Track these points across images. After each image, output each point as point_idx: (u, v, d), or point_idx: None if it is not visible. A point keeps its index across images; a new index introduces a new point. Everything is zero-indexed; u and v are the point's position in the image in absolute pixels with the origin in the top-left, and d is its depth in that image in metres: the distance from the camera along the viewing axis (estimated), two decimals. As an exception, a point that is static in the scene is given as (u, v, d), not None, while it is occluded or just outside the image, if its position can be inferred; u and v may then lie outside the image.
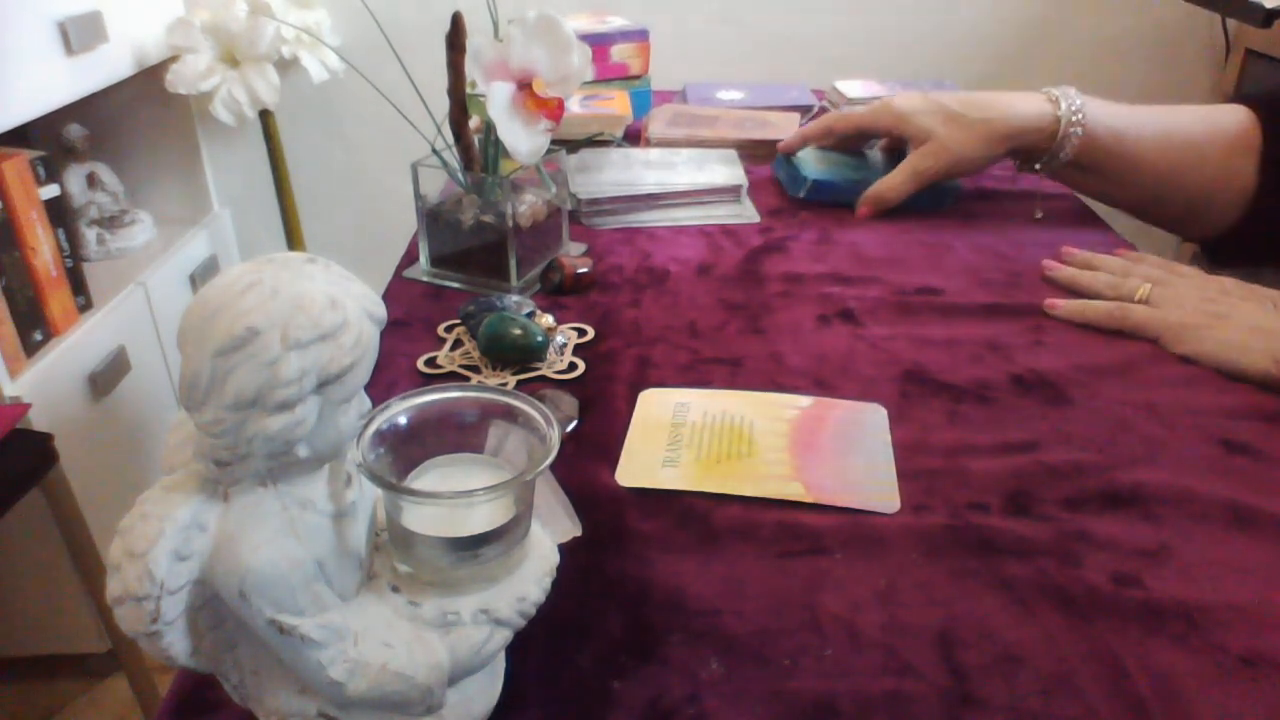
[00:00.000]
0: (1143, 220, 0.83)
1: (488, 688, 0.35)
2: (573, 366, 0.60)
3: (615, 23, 1.15)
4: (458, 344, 0.63)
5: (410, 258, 0.76)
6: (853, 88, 1.17)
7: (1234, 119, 0.76)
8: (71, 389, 1.32)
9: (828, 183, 0.87)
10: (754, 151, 1.00)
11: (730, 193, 0.87)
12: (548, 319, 0.64)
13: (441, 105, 0.69)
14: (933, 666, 0.38)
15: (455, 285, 0.72)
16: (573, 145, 0.89)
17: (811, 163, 0.90)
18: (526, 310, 0.63)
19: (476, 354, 0.61)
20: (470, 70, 0.65)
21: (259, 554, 0.28)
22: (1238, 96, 0.82)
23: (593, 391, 0.57)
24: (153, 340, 1.57)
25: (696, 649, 0.39)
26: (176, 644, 0.29)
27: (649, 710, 0.36)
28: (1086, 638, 0.39)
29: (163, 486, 0.28)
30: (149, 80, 1.63)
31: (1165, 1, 1.76)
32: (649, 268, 0.75)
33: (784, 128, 1.03)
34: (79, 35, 1.35)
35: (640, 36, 1.13)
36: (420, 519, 0.32)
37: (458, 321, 0.65)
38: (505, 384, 0.58)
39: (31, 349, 1.27)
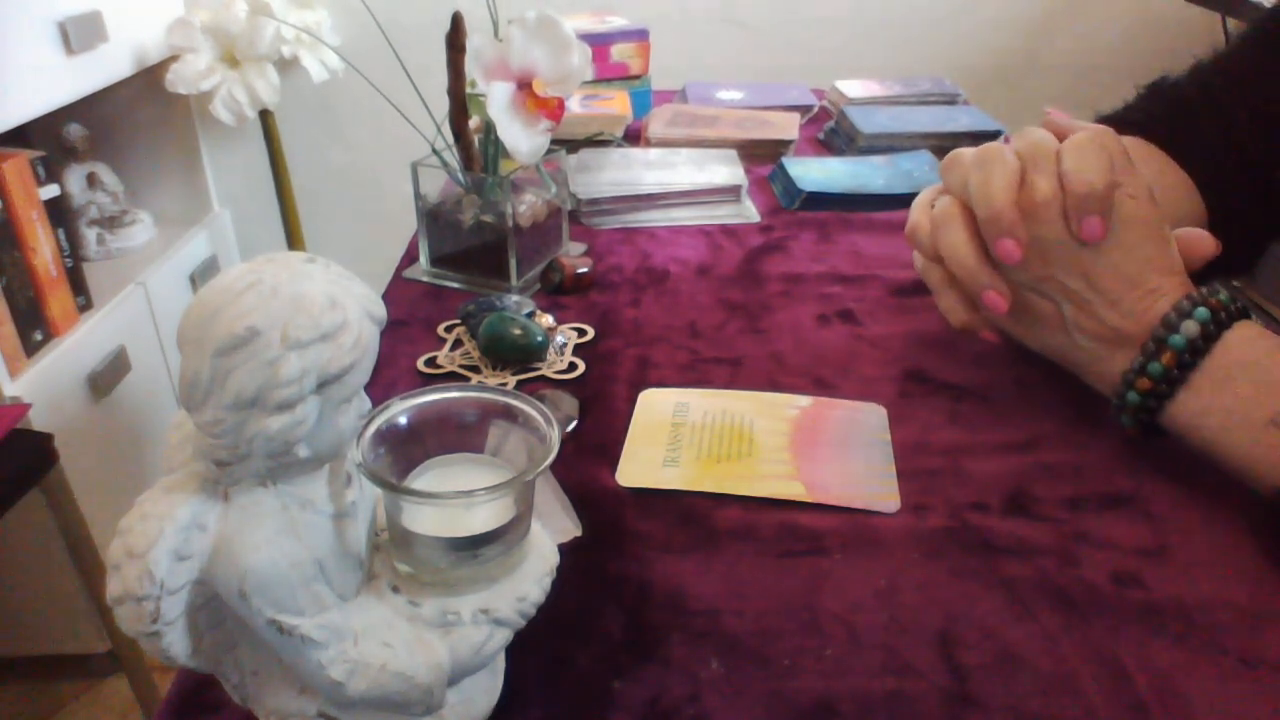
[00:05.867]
0: None
1: (488, 688, 0.35)
2: (573, 366, 0.60)
3: (615, 23, 1.15)
4: (458, 344, 0.63)
5: (410, 258, 0.76)
6: (853, 88, 1.17)
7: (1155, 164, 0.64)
8: (71, 389, 1.32)
9: (822, 195, 0.87)
10: (754, 151, 1.00)
11: (730, 193, 0.87)
12: (548, 319, 0.64)
13: (441, 105, 0.69)
14: (933, 666, 0.38)
15: (455, 285, 0.72)
16: (573, 145, 0.89)
17: (809, 172, 0.90)
18: (526, 310, 0.63)
19: (476, 354, 0.61)
20: (470, 70, 0.65)
21: (259, 554, 0.28)
22: (1100, 122, 0.68)
23: (593, 391, 0.57)
24: (153, 340, 1.57)
25: (696, 649, 0.38)
26: (176, 644, 0.29)
27: (649, 710, 0.36)
28: (1086, 638, 0.39)
29: (163, 486, 0.28)
30: (149, 80, 1.63)
31: (1165, 1, 1.76)
32: (649, 268, 0.75)
33: (784, 127, 1.03)
34: (79, 35, 1.35)
35: (640, 36, 1.13)
36: (420, 519, 0.32)
37: (458, 321, 0.65)
38: (505, 384, 0.58)
39: (31, 349, 1.27)
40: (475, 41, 0.64)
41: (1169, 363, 0.46)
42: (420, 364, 0.60)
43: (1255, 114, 0.63)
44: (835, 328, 0.65)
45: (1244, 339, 0.46)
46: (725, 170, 0.90)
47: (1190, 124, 0.65)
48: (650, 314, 0.67)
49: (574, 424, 0.54)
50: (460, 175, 0.71)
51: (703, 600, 0.41)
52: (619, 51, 1.13)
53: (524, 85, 0.65)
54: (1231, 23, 1.68)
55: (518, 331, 0.59)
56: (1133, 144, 0.66)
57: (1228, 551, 0.44)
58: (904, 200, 0.84)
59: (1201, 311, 0.46)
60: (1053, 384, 0.57)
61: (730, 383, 0.58)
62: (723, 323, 0.66)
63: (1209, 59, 0.69)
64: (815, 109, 1.18)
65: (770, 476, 0.49)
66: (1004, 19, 1.83)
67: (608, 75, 1.13)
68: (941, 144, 1.00)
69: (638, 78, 1.15)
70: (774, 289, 0.71)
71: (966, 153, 0.54)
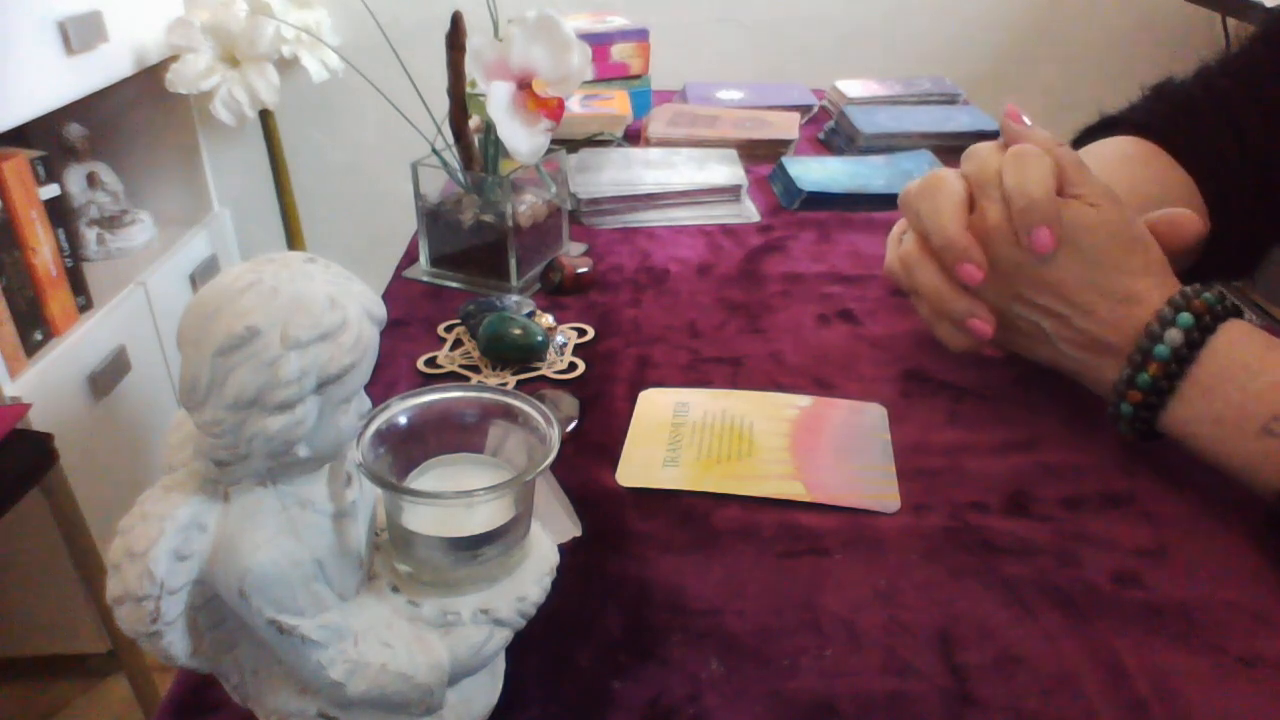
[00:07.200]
0: None
1: (488, 688, 0.35)
2: (573, 366, 0.60)
3: (615, 23, 1.15)
4: (458, 344, 0.63)
5: (410, 258, 0.76)
6: (853, 88, 1.17)
7: (1149, 165, 0.64)
8: (71, 389, 1.32)
9: (822, 194, 0.87)
10: (754, 151, 1.00)
11: (730, 192, 0.87)
12: (548, 319, 0.64)
13: (441, 105, 0.69)
14: (933, 666, 0.38)
15: (455, 285, 0.72)
16: (573, 145, 0.89)
17: (809, 172, 0.90)
18: (526, 310, 0.63)
19: (476, 354, 0.61)
20: (470, 70, 0.65)
21: (259, 554, 0.28)
22: (1105, 122, 0.70)
23: (593, 391, 0.57)
24: (153, 340, 1.57)
25: (696, 649, 0.38)
26: (176, 644, 0.29)
27: (649, 710, 0.36)
28: (1086, 638, 0.39)
29: (163, 486, 0.28)
30: (149, 80, 1.63)
31: (1165, 1, 1.76)
32: (649, 268, 0.75)
33: (784, 127, 1.03)
34: (79, 35, 1.35)
35: (640, 36, 1.13)
36: (420, 519, 0.32)
37: (458, 321, 0.65)
38: (505, 384, 0.58)
39: (31, 349, 1.27)
40: (475, 41, 0.64)
41: (1156, 373, 0.46)
42: (420, 364, 0.60)
43: (1266, 112, 0.63)
44: (835, 328, 0.65)
45: (1231, 341, 0.45)
46: (725, 170, 0.90)
47: (1195, 125, 0.65)
48: (650, 314, 0.67)
49: (574, 424, 0.54)
50: (460, 175, 0.71)
51: (703, 600, 0.41)
52: (619, 51, 1.13)
53: (524, 85, 0.65)
54: (1231, 22, 1.69)
55: (518, 331, 0.59)
56: (1136, 145, 0.66)
57: (1228, 551, 0.44)
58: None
59: (1184, 318, 0.45)
60: (1053, 384, 0.57)
61: (730, 383, 0.58)
62: (723, 323, 0.66)
63: (1216, 60, 0.68)
64: (815, 109, 1.18)
65: (770, 476, 0.49)
66: (1004, 19, 1.83)
67: (608, 75, 1.13)
68: (941, 144, 1.00)
69: (638, 78, 1.15)
70: (774, 289, 0.71)
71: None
